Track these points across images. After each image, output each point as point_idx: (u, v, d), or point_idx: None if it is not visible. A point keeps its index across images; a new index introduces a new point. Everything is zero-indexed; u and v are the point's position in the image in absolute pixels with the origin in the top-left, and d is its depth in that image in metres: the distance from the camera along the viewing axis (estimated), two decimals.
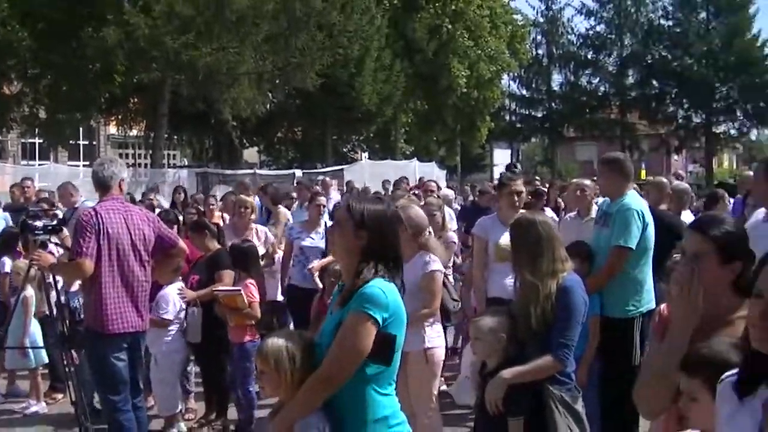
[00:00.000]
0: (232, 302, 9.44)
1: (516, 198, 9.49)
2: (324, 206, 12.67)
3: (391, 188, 22.46)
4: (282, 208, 15.12)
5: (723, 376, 3.39)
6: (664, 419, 4.24)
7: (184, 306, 9.82)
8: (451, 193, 18.99)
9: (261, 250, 11.69)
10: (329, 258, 11.02)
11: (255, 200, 14.22)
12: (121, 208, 8.29)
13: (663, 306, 4.48)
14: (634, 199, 8.61)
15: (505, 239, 8.57)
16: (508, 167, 10.55)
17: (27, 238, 9.53)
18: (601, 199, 9.76)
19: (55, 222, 8.67)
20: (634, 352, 8.26)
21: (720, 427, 3.37)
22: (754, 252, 4.09)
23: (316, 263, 11.46)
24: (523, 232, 6.09)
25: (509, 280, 7.99)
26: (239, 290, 9.43)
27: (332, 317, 4.65)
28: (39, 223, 8.43)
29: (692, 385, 3.66)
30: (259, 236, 12.31)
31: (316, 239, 12.02)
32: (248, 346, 9.63)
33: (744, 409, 3.23)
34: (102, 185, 8.26)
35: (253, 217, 12.73)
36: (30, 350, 10.67)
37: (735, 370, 3.34)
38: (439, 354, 7.99)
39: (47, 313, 9.31)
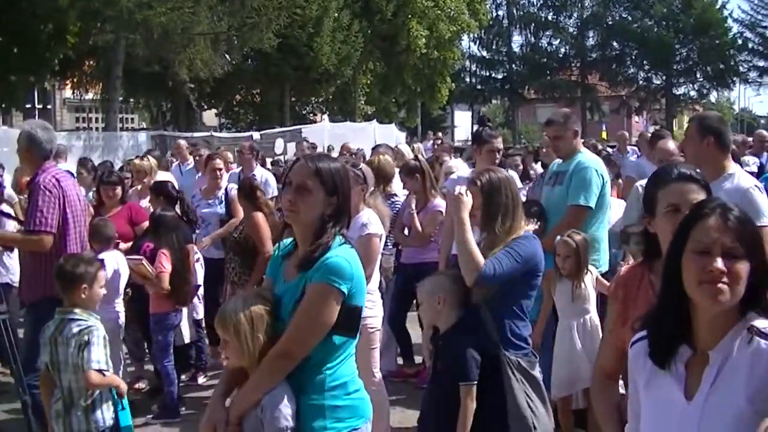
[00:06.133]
0: (139, 271, 9.16)
1: (496, 155, 9.43)
2: (221, 170, 12.14)
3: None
4: None
5: (633, 339, 3.30)
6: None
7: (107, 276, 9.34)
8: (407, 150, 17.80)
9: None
10: (224, 229, 11.21)
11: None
12: (67, 175, 8.13)
13: (622, 269, 4.31)
14: (589, 156, 8.46)
15: None
16: (482, 122, 10.21)
17: None
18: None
19: None
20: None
21: (637, 393, 3.27)
22: None
23: (207, 239, 11.24)
24: (498, 190, 5.85)
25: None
26: (141, 259, 9.13)
27: (290, 285, 4.41)
28: None
29: None
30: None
31: (214, 206, 11.79)
32: (161, 317, 9.44)
33: (663, 373, 3.11)
34: (49, 152, 7.98)
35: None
36: None
37: (643, 333, 3.23)
38: (374, 324, 7.69)
39: None
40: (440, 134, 38.44)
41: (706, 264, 2.90)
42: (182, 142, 18.04)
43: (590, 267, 7.78)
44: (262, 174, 13.89)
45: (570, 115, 8.76)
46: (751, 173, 11.75)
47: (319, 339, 4.23)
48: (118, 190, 10.93)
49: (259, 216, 9.69)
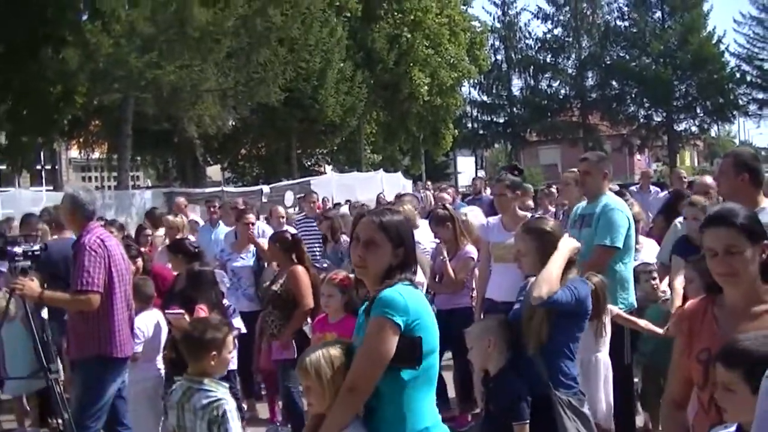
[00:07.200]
0: (179, 325, 8.85)
1: (499, 200, 9.61)
2: (253, 224, 12.36)
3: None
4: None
5: None
6: (696, 411, 4.26)
7: (149, 334, 9.26)
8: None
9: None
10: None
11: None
12: (111, 235, 8.36)
13: (687, 303, 4.47)
14: (615, 199, 8.64)
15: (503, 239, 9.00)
16: (510, 169, 10.21)
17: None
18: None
19: (36, 247, 8.44)
20: (625, 351, 8.26)
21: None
22: None
23: None
24: (547, 239, 6.10)
25: (505, 282, 8.09)
26: (182, 313, 8.98)
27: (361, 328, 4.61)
28: (18, 249, 8.18)
29: (730, 377, 3.65)
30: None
31: (247, 259, 11.96)
32: None
33: None
34: (91, 213, 8.21)
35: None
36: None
37: None
38: None
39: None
40: (429, 183, 38.36)
41: None
42: (181, 199, 18.20)
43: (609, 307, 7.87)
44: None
45: (605, 158, 9.02)
46: None
47: (380, 371, 4.38)
48: (139, 262, 11.03)
49: (299, 269, 9.84)
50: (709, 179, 9.61)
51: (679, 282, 8.29)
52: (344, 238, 13.36)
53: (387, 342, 4.37)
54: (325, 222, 14.00)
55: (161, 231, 14.17)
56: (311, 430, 4.67)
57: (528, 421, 5.82)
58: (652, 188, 19.91)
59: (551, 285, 5.84)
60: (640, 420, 9.21)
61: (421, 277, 7.84)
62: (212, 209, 15.20)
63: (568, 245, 6.10)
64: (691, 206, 8.82)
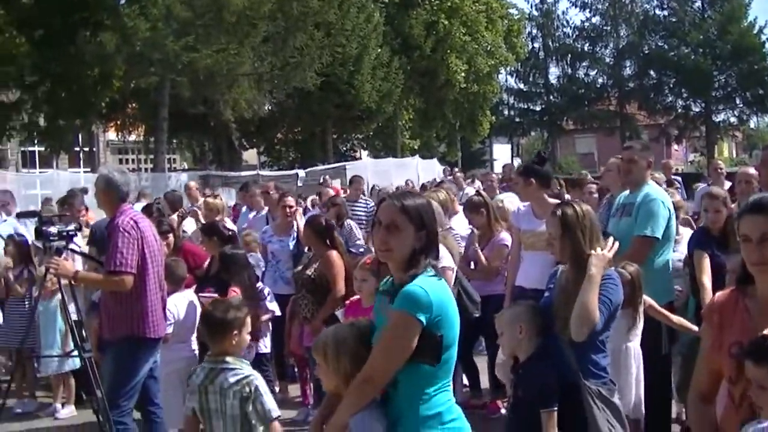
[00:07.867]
0: None
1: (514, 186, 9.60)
2: (292, 207, 12.28)
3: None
4: None
5: None
6: (724, 407, 4.20)
7: (180, 316, 9.16)
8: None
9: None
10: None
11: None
12: (144, 216, 8.41)
13: (716, 294, 4.40)
14: (656, 189, 8.56)
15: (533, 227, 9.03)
16: (539, 156, 10.11)
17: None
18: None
19: (71, 227, 8.48)
20: (663, 341, 8.19)
21: None
22: None
23: None
24: (580, 221, 6.04)
25: (535, 269, 8.06)
26: (216, 297, 8.93)
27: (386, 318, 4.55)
28: (53, 229, 8.20)
29: (761, 374, 3.61)
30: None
31: (286, 242, 11.95)
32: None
33: None
34: (126, 194, 8.25)
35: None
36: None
37: None
38: None
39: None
40: (455, 170, 38.21)
41: None
42: (192, 183, 18.18)
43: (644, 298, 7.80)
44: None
45: (648, 147, 9.00)
46: None
47: (398, 365, 4.34)
48: (171, 238, 11.03)
49: (334, 254, 9.82)
50: (751, 169, 9.53)
51: (707, 276, 8.22)
52: (347, 222, 13.65)
53: (408, 339, 4.32)
54: (333, 209, 14.02)
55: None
56: (325, 409, 4.74)
57: (556, 409, 5.77)
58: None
59: (590, 321, 5.71)
60: (674, 410, 9.12)
61: (450, 261, 7.82)
62: (249, 193, 15.28)
63: (599, 265, 5.91)
64: (711, 198, 8.72)
